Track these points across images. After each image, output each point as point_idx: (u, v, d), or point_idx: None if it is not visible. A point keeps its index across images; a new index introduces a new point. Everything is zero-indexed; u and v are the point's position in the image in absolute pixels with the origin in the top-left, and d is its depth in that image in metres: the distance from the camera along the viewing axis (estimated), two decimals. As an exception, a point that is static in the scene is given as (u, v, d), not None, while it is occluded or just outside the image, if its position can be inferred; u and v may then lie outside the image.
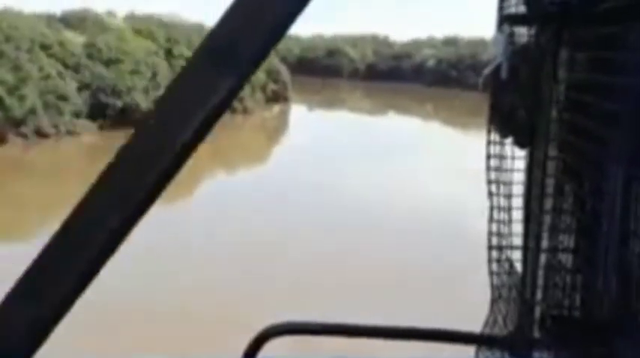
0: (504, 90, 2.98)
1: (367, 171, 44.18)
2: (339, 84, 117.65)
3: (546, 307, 2.83)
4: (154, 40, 61.83)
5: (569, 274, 2.76)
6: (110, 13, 63.98)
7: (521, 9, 2.99)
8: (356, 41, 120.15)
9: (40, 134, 49.65)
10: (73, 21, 59.92)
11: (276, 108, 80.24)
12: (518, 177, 3.02)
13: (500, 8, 3.08)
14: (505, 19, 3.03)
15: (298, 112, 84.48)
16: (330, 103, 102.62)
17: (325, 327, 3.51)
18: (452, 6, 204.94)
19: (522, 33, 3.01)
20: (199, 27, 73.45)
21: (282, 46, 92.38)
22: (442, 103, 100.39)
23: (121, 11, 67.38)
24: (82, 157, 50.64)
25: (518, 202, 2.98)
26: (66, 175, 44.83)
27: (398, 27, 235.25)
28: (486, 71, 2.99)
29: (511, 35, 2.95)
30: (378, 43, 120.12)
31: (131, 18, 65.38)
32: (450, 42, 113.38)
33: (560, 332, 2.73)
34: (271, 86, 78.14)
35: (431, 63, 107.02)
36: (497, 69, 2.95)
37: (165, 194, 1.58)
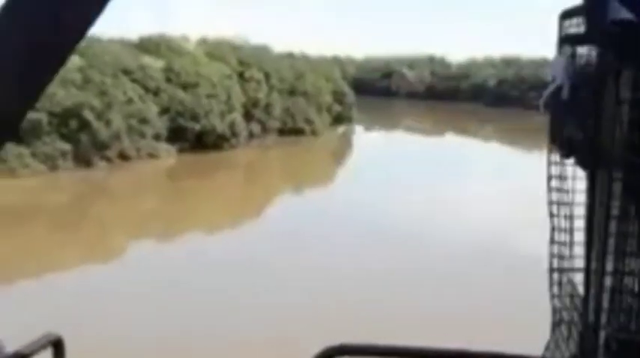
0: (565, 111, 2.95)
1: (431, 195, 43.65)
2: (396, 104, 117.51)
3: (612, 331, 2.78)
4: (227, 64, 62.58)
5: (636, 297, 2.74)
6: (184, 38, 65.06)
7: (582, 29, 2.95)
8: (412, 62, 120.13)
9: (123, 157, 50.49)
10: (149, 46, 61.02)
11: (341, 129, 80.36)
12: (580, 198, 2.97)
13: (561, 28, 3.05)
14: (566, 40, 3.01)
15: (357, 133, 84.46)
16: (388, 124, 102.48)
17: (379, 349, 3.50)
18: (509, 26, 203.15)
19: (583, 53, 2.98)
20: (265, 49, 74.33)
21: (337, 66, 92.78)
22: (503, 124, 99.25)
23: (193, 34, 68.27)
24: (163, 180, 51.33)
25: (579, 224, 2.94)
26: (149, 198, 45.53)
27: (453, 47, 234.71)
28: (547, 92, 2.96)
29: (572, 56, 2.93)
30: (435, 63, 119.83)
31: (203, 42, 66.35)
32: (510, 62, 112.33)
33: (627, 356, 2.71)
34: (336, 107, 78.34)
35: (491, 83, 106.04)
36: (558, 89, 2.93)
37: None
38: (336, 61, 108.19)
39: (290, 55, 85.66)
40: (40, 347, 3.47)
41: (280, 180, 55.76)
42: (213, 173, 52.84)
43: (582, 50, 2.98)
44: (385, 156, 64.91)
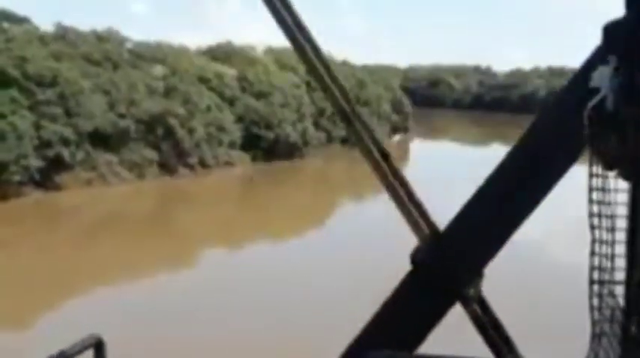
0: (609, 122, 2.93)
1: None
2: (442, 114, 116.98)
3: None
4: (296, 73, 62.74)
5: None
6: (251, 47, 65.33)
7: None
8: (457, 71, 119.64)
9: (203, 165, 50.71)
10: (219, 54, 61.39)
11: (396, 138, 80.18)
12: (621, 210, 2.97)
13: (604, 40, 3.03)
14: (609, 51, 2.97)
15: (404, 142, 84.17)
16: (435, 134, 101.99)
17: None
18: (554, 36, 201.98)
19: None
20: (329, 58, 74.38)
21: (379, 75, 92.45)
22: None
23: (259, 43, 68.58)
24: (242, 189, 51.47)
25: (620, 236, 2.94)
26: (229, 205, 45.68)
27: (497, 56, 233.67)
28: (591, 103, 2.95)
29: (617, 67, 2.91)
30: (481, 72, 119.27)
31: (270, 51, 66.54)
32: (558, 72, 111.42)
33: None
34: (394, 117, 78.19)
35: (542, 93, 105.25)
36: (602, 100, 2.92)
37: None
38: (380, 69, 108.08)
39: (344, 63, 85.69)
40: (83, 348, 3.67)
41: (350, 191, 55.61)
42: (286, 182, 53.00)
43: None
44: (443, 166, 64.46)
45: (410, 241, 4.30)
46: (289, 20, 4.26)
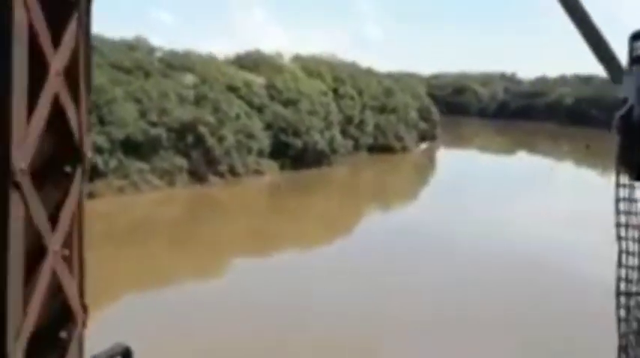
0: (636, 132, 2.86)
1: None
2: (467, 122, 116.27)
3: None
4: (323, 81, 62.72)
5: None
6: (278, 54, 65.43)
7: None
8: (482, 78, 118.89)
9: (233, 173, 50.74)
10: (247, 63, 61.54)
11: (423, 146, 79.72)
12: None
13: (631, 50, 2.98)
14: (636, 61, 2.92)
15: (431, 150, 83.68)
16: (461, 142, 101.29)
17: None
18: (579, 43, 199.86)
19: None
20: (354, 65, 74.45)
21: (404, 82, 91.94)
22: (580, 143, 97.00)
23: (286, 51, 68.63)
24: (271, 198, 51.40)
25: None
26: (260, 214, 45.63)
27: (522, 63, 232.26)
28: (618, 113, 2.89)
29: None
30: (507, 80, 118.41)
31: (297, 58, 66.63)
32: (586, 80, 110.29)
33: None
34: (422, 125, 77.82)
35: (568, 101, 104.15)
36: (630, 110, 2.85)
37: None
38: (403, 76, 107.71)
39: (368, 71, 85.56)
40: (110, 356, 3.59)
41: (379, 202, 55.28)
42: (314, 192, 52.90)
43: None
44: (475, 176, 63.91)
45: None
46: None
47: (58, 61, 2.69)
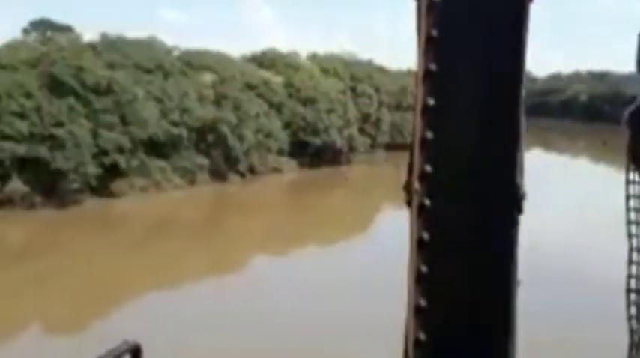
0: None
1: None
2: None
3: None
4: (340, 79, 62.68)
5: None
6: (294, 53, 65.36)
7: None
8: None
9: (252, 171, 50.83)
10: (263, 61, 61.55)
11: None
12: None
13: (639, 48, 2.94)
14: None
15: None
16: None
17: None
18: (596, 40, 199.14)
19: None
20: (369, 64, 74.29)
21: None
22: (596, 140, 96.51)
23: (301, 50, 68.57)
24: (290, 195, 51.47)
25: None
26: (281, 213, 45.68)
27: (537, 61, 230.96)
28: (628, 111, 2.89)
29: None
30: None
31: (314, 57, 66.58)
32: (601, 77, 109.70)
33: None
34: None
35: (583, 98, 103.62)
36: (639, 107, 2.86)
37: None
38: (410, 73, 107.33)
39: (381, 69, 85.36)
40: (120, 353, 3.59)
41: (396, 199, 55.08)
42: (332, 189, 52.93)
43: None
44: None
45: None
46: None
47: None
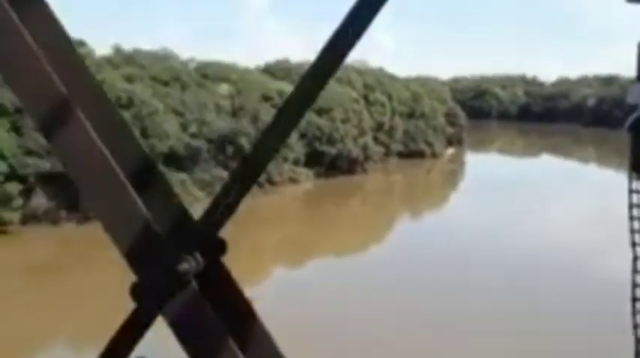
0: None
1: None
2: (488, 125, 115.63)
3: None
4: (353, 87, 62.79)
5: None
6: (308, 63, 65.32)
7: None
8: (503, 81, 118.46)
9: (270, 182, 50.87)
10: (276, 71, 61.72)
11: (450, 150, 79.50)
12: None
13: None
14: None
15: (458, 155, 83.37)
16: (484, 146, 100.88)
17: None
18: (603, 44, 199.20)
19: None
20: (382, 71, 74.47)
21: (428, 87, 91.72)
22: (605, 145, 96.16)
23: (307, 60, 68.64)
24: (308, 205, 51.52)
25: None
26: (298, 223, 45.79)
27: (543, 66, 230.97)
28: (630, 119, 2.89)
29: None
30: (527, 82, 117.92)
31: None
32: (607, 80, 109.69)
33: None
34: (449, 129, 77.70)
35: (591, 102, 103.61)
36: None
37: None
38: (420, 81, 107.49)
39: (392, 77, 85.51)
40: None
41: (418, 205, 55.25)
42: (349, 199, 53.03)
43: None
44: (511, 182, 63.66)
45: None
46: None
47: None
